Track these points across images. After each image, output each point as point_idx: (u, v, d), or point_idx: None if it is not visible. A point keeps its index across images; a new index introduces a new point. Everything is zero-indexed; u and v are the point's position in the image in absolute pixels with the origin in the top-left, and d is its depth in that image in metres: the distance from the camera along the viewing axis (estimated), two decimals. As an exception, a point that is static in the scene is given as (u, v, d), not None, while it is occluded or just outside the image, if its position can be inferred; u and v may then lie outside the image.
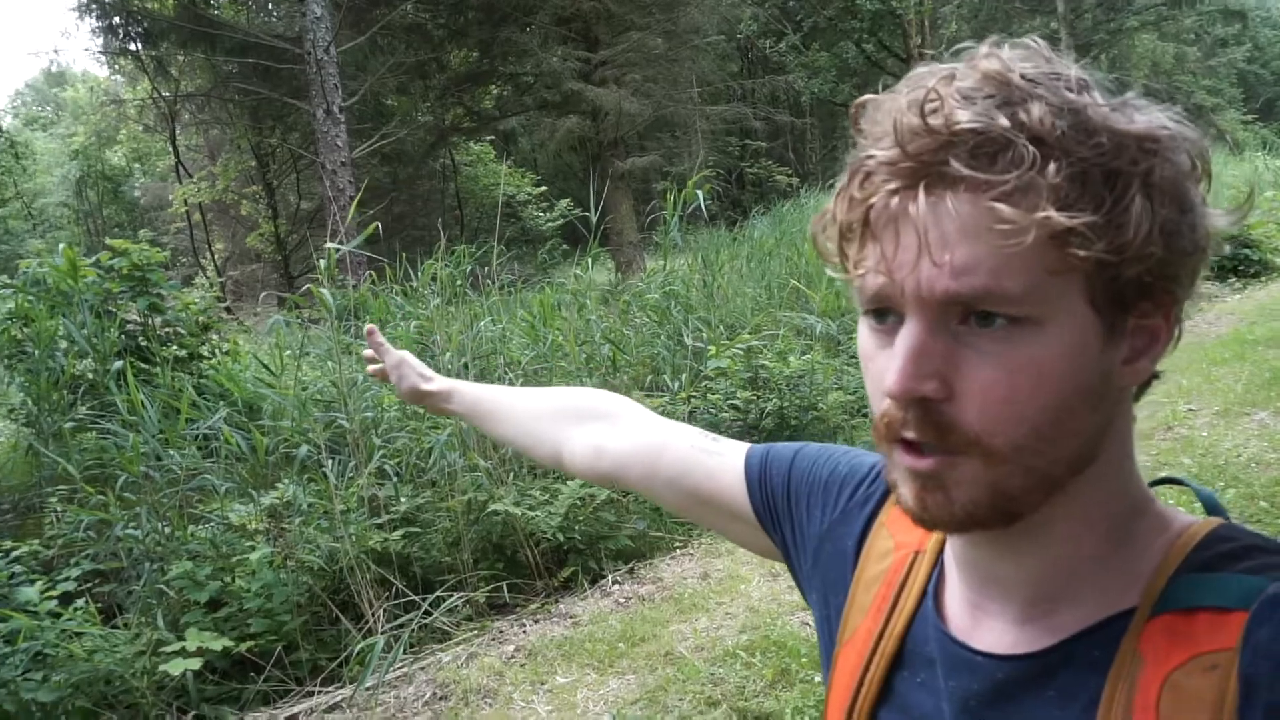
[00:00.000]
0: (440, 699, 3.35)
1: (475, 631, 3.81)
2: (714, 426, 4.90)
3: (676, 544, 4.54)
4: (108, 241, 5.45)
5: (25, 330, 4.79)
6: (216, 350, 5.71)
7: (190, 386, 4.50)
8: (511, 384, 4.65)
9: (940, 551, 0.66)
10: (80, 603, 3.37)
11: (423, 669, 3.57)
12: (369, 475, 4.05)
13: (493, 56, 15.91)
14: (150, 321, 5.34)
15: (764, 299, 7.38)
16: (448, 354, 4.70)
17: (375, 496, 4.07)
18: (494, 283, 5.59)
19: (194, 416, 4.19)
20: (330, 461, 3.99)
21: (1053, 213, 0.47)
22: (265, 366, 5.07)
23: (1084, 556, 0.56)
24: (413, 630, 3.69)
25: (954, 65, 0.52)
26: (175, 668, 3.16)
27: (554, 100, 15.17)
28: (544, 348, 5.28)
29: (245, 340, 7.53)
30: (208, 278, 18.94)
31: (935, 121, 0.49)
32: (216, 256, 22.81)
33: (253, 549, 3.63)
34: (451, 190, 21.04)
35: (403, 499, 4.14)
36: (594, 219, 5.33)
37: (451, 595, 3.89)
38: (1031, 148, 0.47)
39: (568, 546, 4.24)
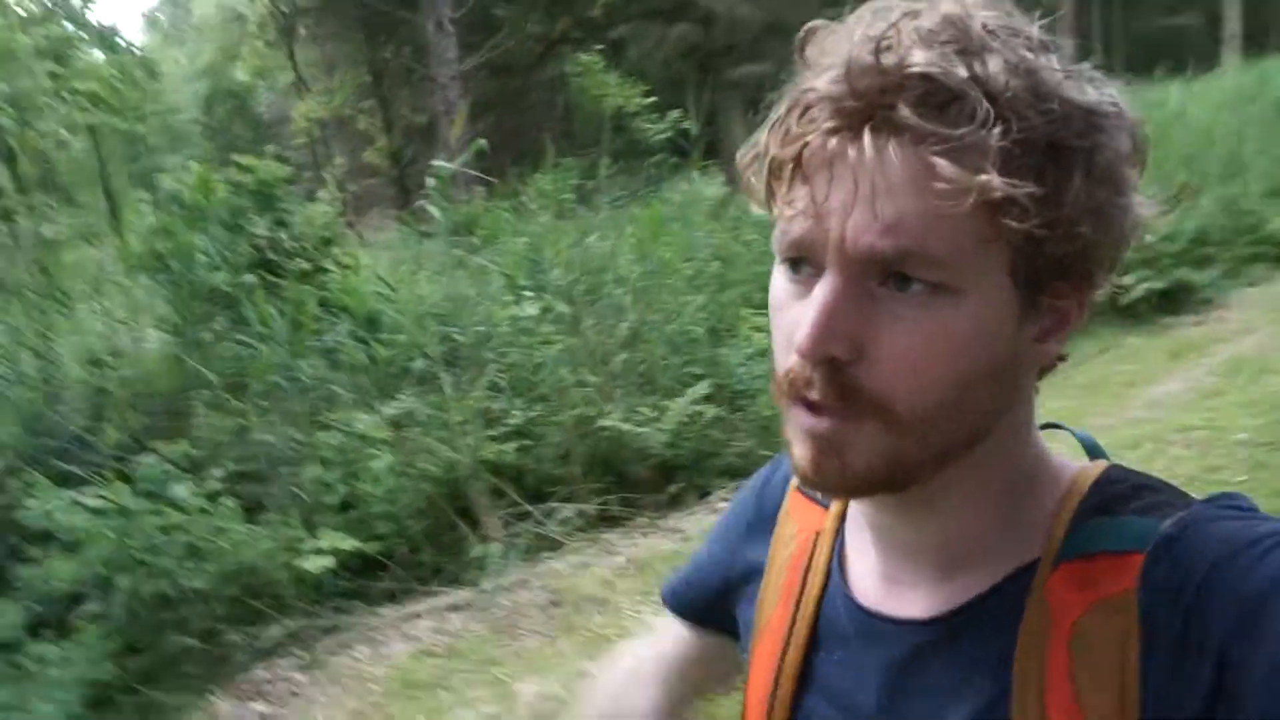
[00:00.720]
0: (554, 604, 3.49)
1: (587, 542, 3.93)
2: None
3: (784, 463, 4.53)
4: (235, 158, 5.67)
5: (166, 245, 5.08)
6: (338, 264, 5.92)
7: (314, 300, 4.70)
8: (621, 302, 4.64)
9: (840, 527, 0.66)
10: (225, 500, 3.64)
11: (537, 575, 3.72)
12: (483, 388, 4.17)
13: (602, -38, 15.50)
14: (277, 236, 5.57)
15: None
16: (556, 270, 4.73)
17: (489, 409, 4.20)
18: (602, 196, 5.56)
19: (318, 331, 4.38)
20: (446, 374, 4.12)
21: (995, 178, 0.44)
22: (384, 281, 5.24)
23: (986, 518, 0.56)
24: (527, 538, 3.84)
25: (916, 3, 0.49)
26: (311, 564, 3.39)
27: (663, 7, 14.72)
28: (652, 264, 5.25)
29: (364, 254, 7.79)
30: (329, 192, 19.60)
31: (888, 60, 0.46)
32: (336, 171, 23.54)
33: (376, 456, 3.82)
34: (561, 102, 20.91)
35: (515, 412, 4.25)
36: (695, 131, 5.19)
37: (563, 506, 4.01)
38: (985, 103, 0.45)
39: (675, 463, 4.29)
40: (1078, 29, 18.56)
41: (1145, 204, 0.52)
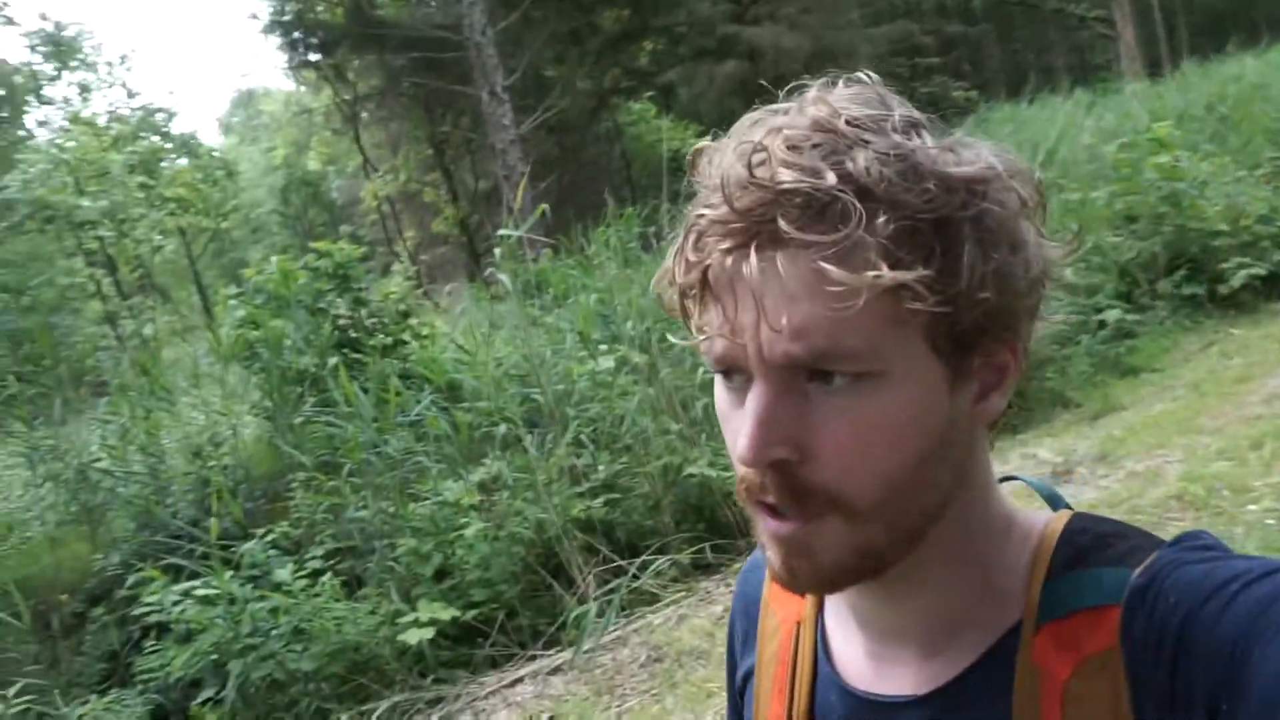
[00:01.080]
0: (655, 660, 3.43)
1: (683, 593, 3.86)
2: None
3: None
4: (312, 245, 5.91)
5: (255, 334, 5.31)
6: (416, 335, 6.09)
7: (395, 374, 4.82)
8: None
9: (819, 613, 0.66)
10: (326, 578, 3.72)
11: (635, 631, 3.66)
12: (567, 445, 4.17)
13: (644, 11, 15.83)
14: (357, 315, 5.76)
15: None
16: (629, 321, 4.73)
17: (574, 466, 4.20)
18: (663, 242, 5.57)
19: (402, 403, 4.48)
20: (529, 434, 4.14)
21: (884, 270, 0.46)
22: (461, 348, 5.34)
23: (963, 587, 0.56)
24: (622, 594, 3.79)
25: (785, 110, 0.51)
26: (411, 637, 3.42)
27: (709, 47, 14.92)
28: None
29: (441, 322, 7.98)
30: (402, 265, 20.27)
31: (762, 175, 0.47)
32: (408, 243, 24.33)
33: (467, 524, 3.85)
34: (618, 151, 21.26)
35: (600, 466, 4.24)
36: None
37: (657, 558, 3.96)
38: (858, 203, 0.46)
39: (766, 504, 4.19)
40: (1137, 7, 18.02)
41: (1049, 247, 0.53)
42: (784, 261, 0.47)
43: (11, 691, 3.46)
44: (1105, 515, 0.59)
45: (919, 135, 0.50)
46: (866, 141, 0.48)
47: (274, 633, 3.42)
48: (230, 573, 3.58)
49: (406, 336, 5.96)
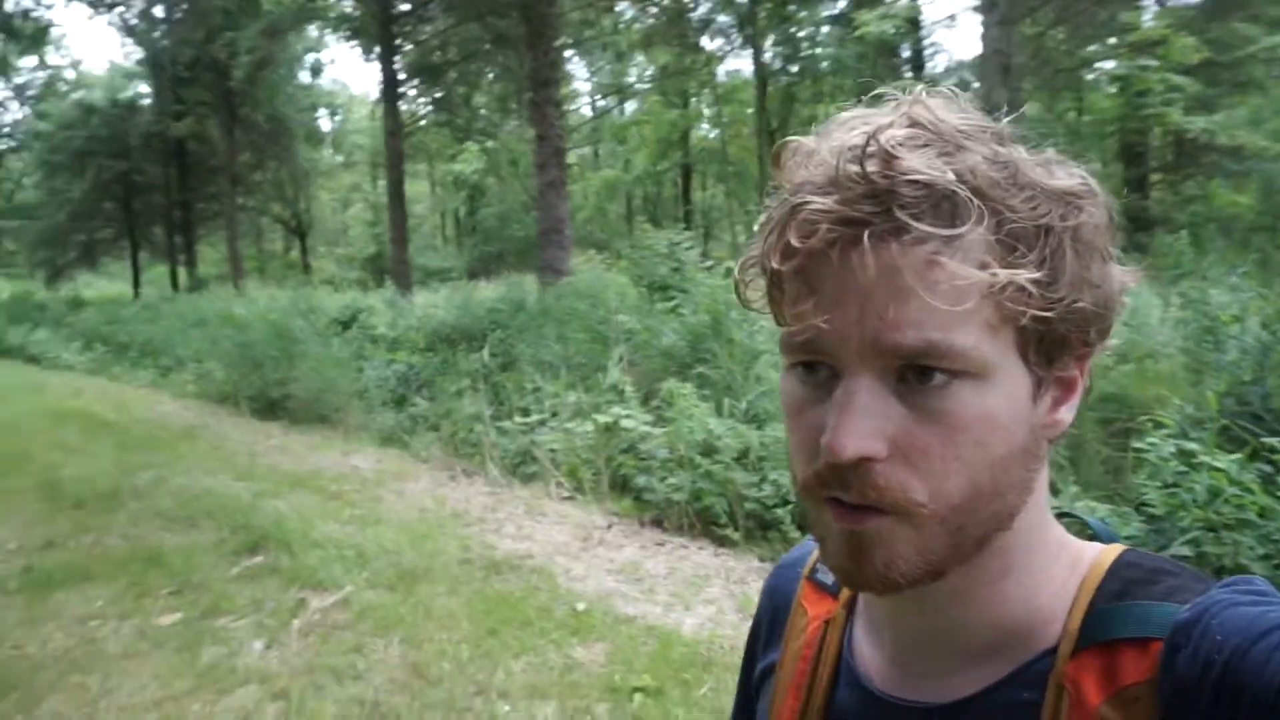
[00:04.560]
0: None
1: None
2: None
3: None
4: None
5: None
6: None
7: None
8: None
9: (850, 613, 0.66)
10: None
11: None
12: None
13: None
14: None
15: None
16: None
17: None
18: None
19: None
20: None
21: (998, 269, 0.47)
22: None
23: (1008, 603, 0.55)
24: None
25: (880, 112, 0.52)
26: None
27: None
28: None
29: None
30: None
31: (874, 168, 0.47)
32: None
33: None
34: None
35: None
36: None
37: None
38: (975, 200, 0.47)
39: None
40: None
41: (1124, 271, 0.54)
42: (898, 253, 0.47)
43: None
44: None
45: (1015, 147, 0.51)
46: (973, 147, 0.49)
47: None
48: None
49: None
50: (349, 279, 26.13)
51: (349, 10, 19.78)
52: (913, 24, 19.22)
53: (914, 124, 0.50)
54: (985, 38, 10.25)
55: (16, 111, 34.43)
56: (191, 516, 5.35)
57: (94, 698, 3.22)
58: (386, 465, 6.54)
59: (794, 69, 22.50)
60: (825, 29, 21.73)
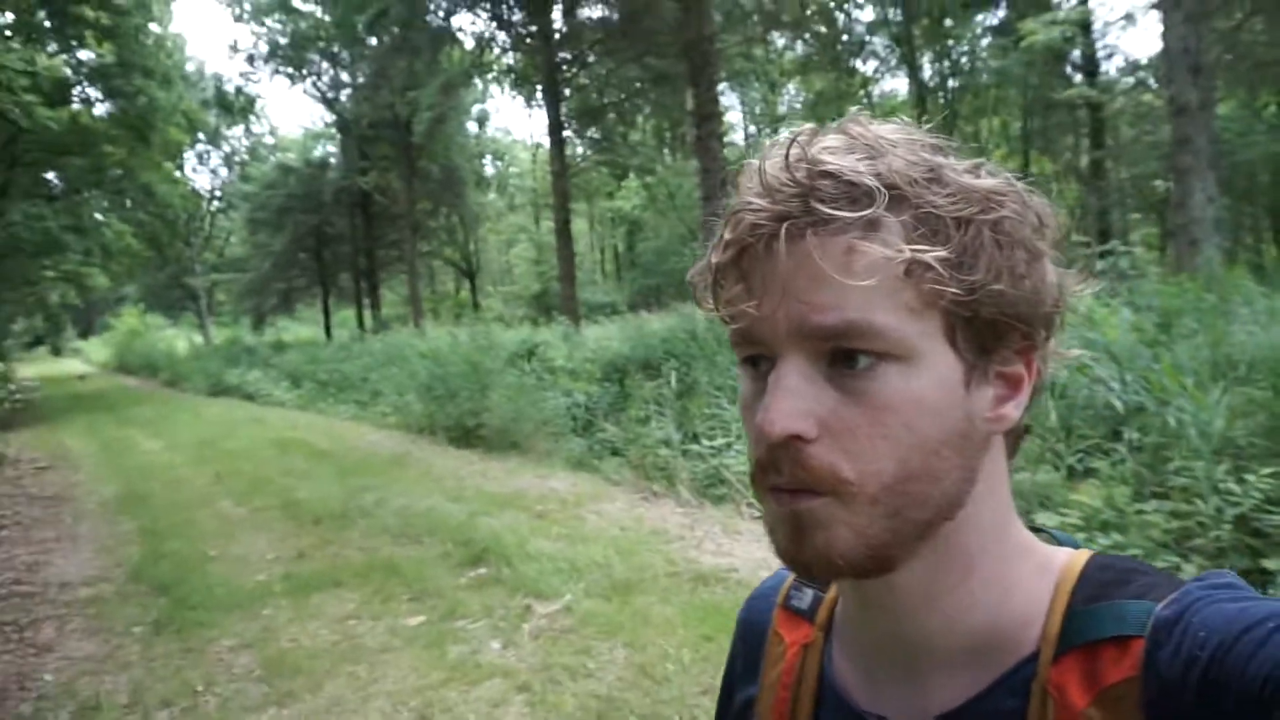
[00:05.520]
0: None
1: None
2: None
3: None
4: None
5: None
6: None
7: None
8: None
9: (828, 637, 0.65)
10: None
11: None
12: None
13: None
14: None
15: None
16: None
17: None
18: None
19: None
20: None
21: (906, 248, 0.49)
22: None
23: (979, 609, 0.55)
24: None
25: (821, 128, 0.55)
26: None
27: None
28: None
29: None
30: None
31: (799, 167, 0.51)
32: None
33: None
34: None
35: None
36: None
37: None
38: (886, 191, 0.50)
39: None
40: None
41: (1066, 273, 0.56)
42: (815, 241, 0.50)
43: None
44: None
45: (946, 156, 0.54)
46: (897, 152, 0.52)
47: None
48: None
49: None
50: (516, 316, 27.50)
51: (512, 63, 21.05)
52: (1083, 28, 18.38)
53: (846, 134, 0.54)
54: (1168, 36, 9.73)
55: (225, 176, 38.59)
56: (416, 533, 5.87)
57: (364, 684, 3.65)
58: (581, 488, 6.91)
59: (954, 83, 21.97)
60: (985, 41, 21.12)
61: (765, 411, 0.51)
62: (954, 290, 0.50)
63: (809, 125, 0.55)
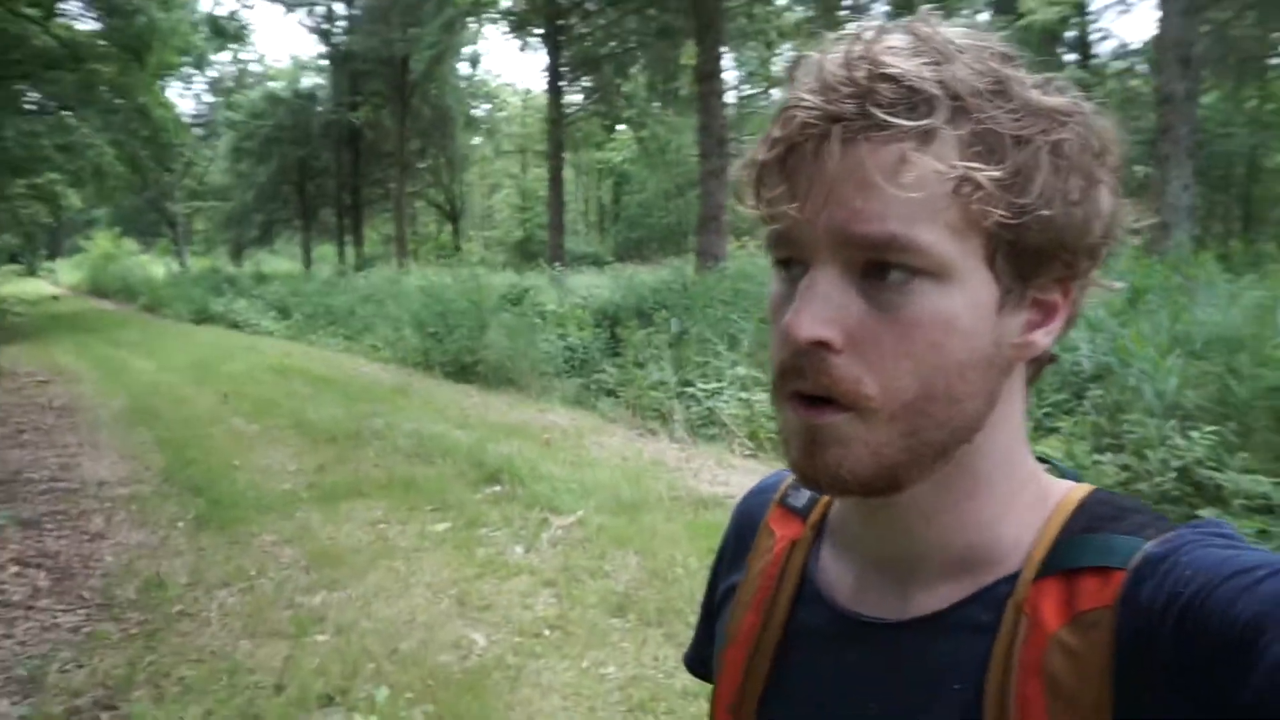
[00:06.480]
0: None
1: None
2: None
3: None
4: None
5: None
6: None
7: None
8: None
9: (818, 535, 0.66)
10: None
11: None
12: None
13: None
14: None
15: None
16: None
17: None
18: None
19: None
20: None
21: (959, 163, 0.48)
22: None
23: (973, 529, 0.56)
24: None
25: (889, 25, 0.52)
26: None
27: None
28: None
29: None
30: None
31: (859, 68, 0.49)
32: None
33: None
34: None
35: None
36: None
37: None
38: (948, 101, 0.48)
39: None
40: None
41: (1122, 202, 0.54)
42: (868, 147, 0.48)
43: None
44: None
45: (1014, 67, 0.51)
46: (963, 59, 0.49)
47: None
48: None
49: None
50: (498, 261, 27.66)
51: (512, 4, 20.95)
52: (1079, 9, 18.71)
53: (912, 36, 0.51)
54: (1165, 25, 10.09)
55: (209, 102, 37.93)
56: (429, 454, 6.27)
57: (403, 576, 4.08)
58: (581, 423, 7.32)
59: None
60: (984, 16, 21.34)
61: (794, 315, 0.50)
62: (1002, 212, 0.48)
63: (876, 22, 0.52)
